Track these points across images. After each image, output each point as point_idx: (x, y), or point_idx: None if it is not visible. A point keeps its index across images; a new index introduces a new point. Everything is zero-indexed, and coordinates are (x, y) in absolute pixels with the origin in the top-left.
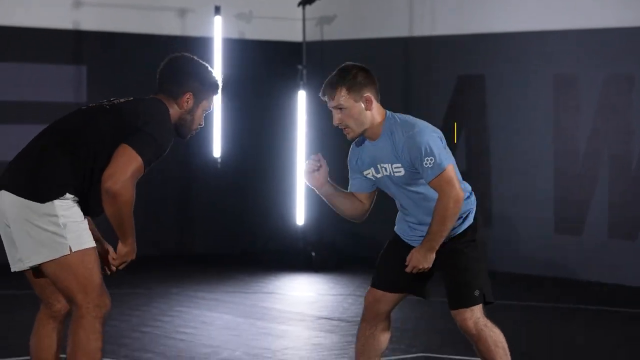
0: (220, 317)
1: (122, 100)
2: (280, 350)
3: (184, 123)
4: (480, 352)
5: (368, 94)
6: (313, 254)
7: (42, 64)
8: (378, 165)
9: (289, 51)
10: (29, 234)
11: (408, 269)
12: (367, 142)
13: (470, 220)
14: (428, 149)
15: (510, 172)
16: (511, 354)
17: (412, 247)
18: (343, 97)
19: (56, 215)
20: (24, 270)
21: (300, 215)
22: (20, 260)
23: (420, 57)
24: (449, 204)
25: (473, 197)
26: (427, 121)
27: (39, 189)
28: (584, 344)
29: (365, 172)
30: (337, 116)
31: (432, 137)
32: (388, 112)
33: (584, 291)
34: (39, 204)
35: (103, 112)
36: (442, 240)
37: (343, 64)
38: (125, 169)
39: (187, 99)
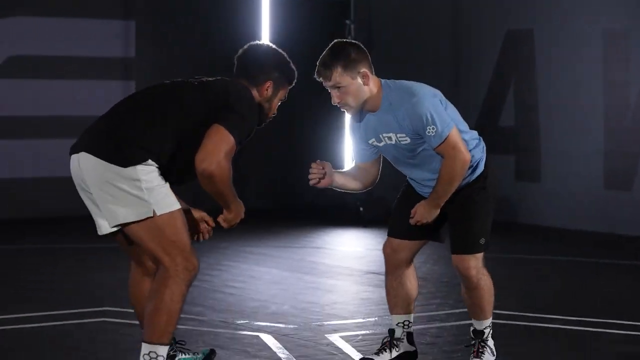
0: (269, 271)
1: (210, 78)
2: (328, 304)
3: (261, 110)
4: (471, 298)
5: (364, 70)
6: (361, 208)
7: (92, 18)
8: (380, 135)
9: (337, 6)
10: (112, 196)
11: (412, 222)
12: (367, 114)
13: (480, 168)
14: (429, 118)
15: (559, 127)
16: (557, 308)
17: (424, 198)
18: (339, 76)
19: (139, 180)
20: (111, 233)
21: None
22: (103, 224)
23: (469, 11)
24: (455, 167)
25: (482, 145)
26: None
27: (122, 153)
28: (630, 298)
29: (369, 141)
30: (335, 95)
31: (431, 103)
32: (382, 80)
33: (633, 246)
34: (120, 167)
35: (191, 88)
36: (447, 198)
37: (333, 42)
38: (218, 149)
39: (268, 87)
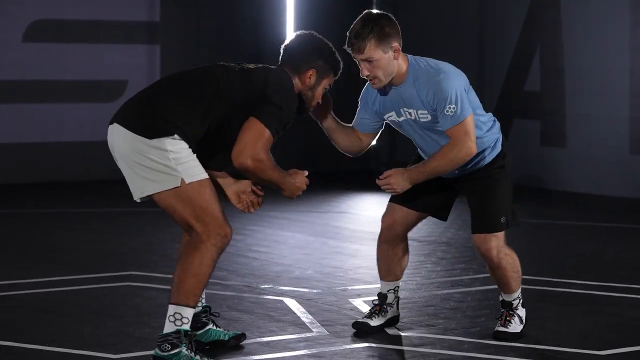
0: (293, 236)
1: (251, 66)
2: (352, 269)
3: (304, 99)
4: (495, 276)
5: (396, 44)
6: None
7: None
8: (401, 110)
9: None
10: (140, 165)
11: (380, 181)
12: (391, 88)
13: (498, 148)
14: (452, 97)
15: (585, 92)
16: (580, 273)
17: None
18: (372, 49)
19: (166, 150)
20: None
21: None
22: (134, 190)
23: None
24: (460, 153)
25: (498, 125)
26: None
27: (148, 126)
28: None
29: (386, 115)
30: (365, 68)
31: (458, 84)
32: (410, 56)
33: None
34: (146, 139)
35: (230, 73)
36: (429, 178)
37: (365, 13)
38: (254, 144)
39: (310, 75)
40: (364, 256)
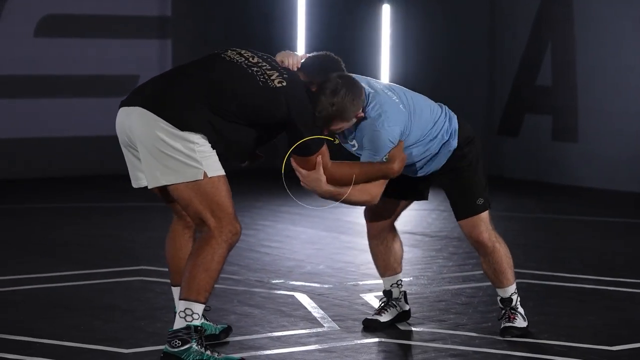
0: (304, 231)
1: (276, 82)
2: (364, 264)
3: None
4: (491, 265)
5: (359, 113)
6: None
7: None
8: (347, 143)
9: None
10: (163, 153)
11: (298, 172)
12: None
13: (455, 137)
14: (375, 144)
15: (597, 87)
16: (592, 268)
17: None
18: (337, 125)
19: (193, 142)
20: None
21: None
22: (152, 178)
23: None
24: (375, 193)
25: (451, 112)
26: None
27: (182, 117)
28: None
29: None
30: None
31: (389, 136)
32: (365, 91)
33: None
34: (178, 129)
35: (253, 84)
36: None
37: (331, 83)
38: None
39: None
40: None
